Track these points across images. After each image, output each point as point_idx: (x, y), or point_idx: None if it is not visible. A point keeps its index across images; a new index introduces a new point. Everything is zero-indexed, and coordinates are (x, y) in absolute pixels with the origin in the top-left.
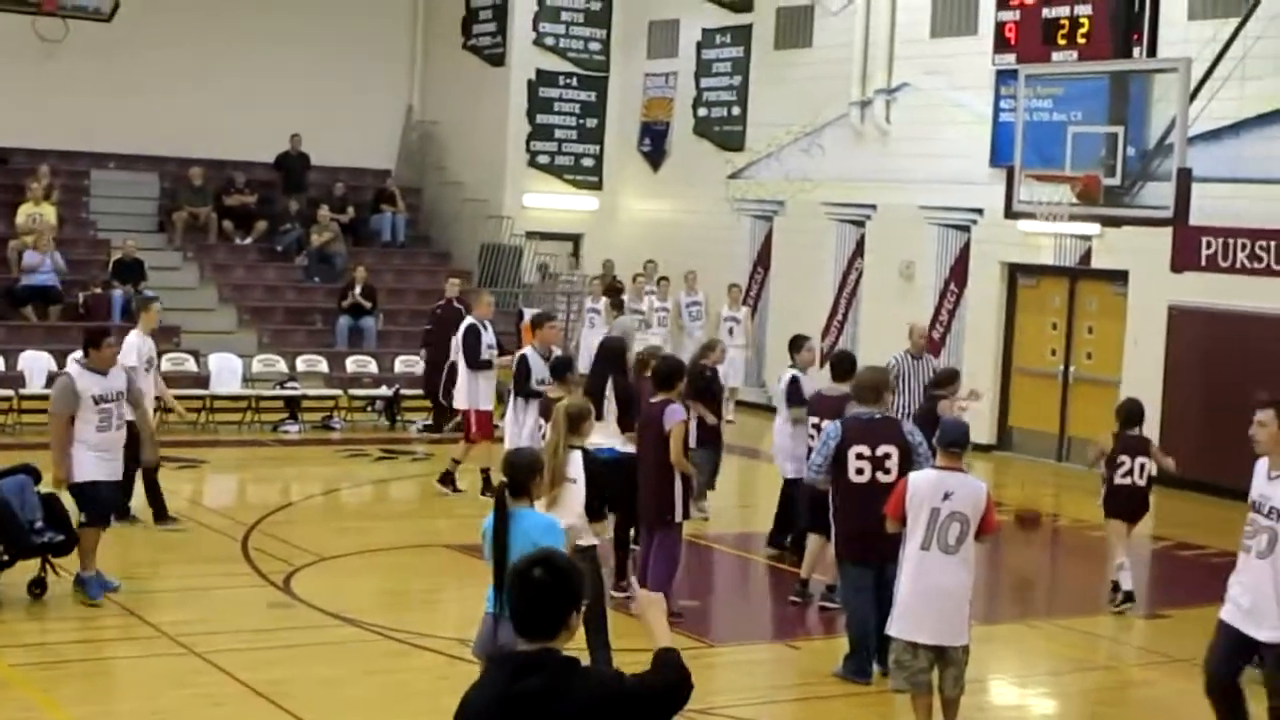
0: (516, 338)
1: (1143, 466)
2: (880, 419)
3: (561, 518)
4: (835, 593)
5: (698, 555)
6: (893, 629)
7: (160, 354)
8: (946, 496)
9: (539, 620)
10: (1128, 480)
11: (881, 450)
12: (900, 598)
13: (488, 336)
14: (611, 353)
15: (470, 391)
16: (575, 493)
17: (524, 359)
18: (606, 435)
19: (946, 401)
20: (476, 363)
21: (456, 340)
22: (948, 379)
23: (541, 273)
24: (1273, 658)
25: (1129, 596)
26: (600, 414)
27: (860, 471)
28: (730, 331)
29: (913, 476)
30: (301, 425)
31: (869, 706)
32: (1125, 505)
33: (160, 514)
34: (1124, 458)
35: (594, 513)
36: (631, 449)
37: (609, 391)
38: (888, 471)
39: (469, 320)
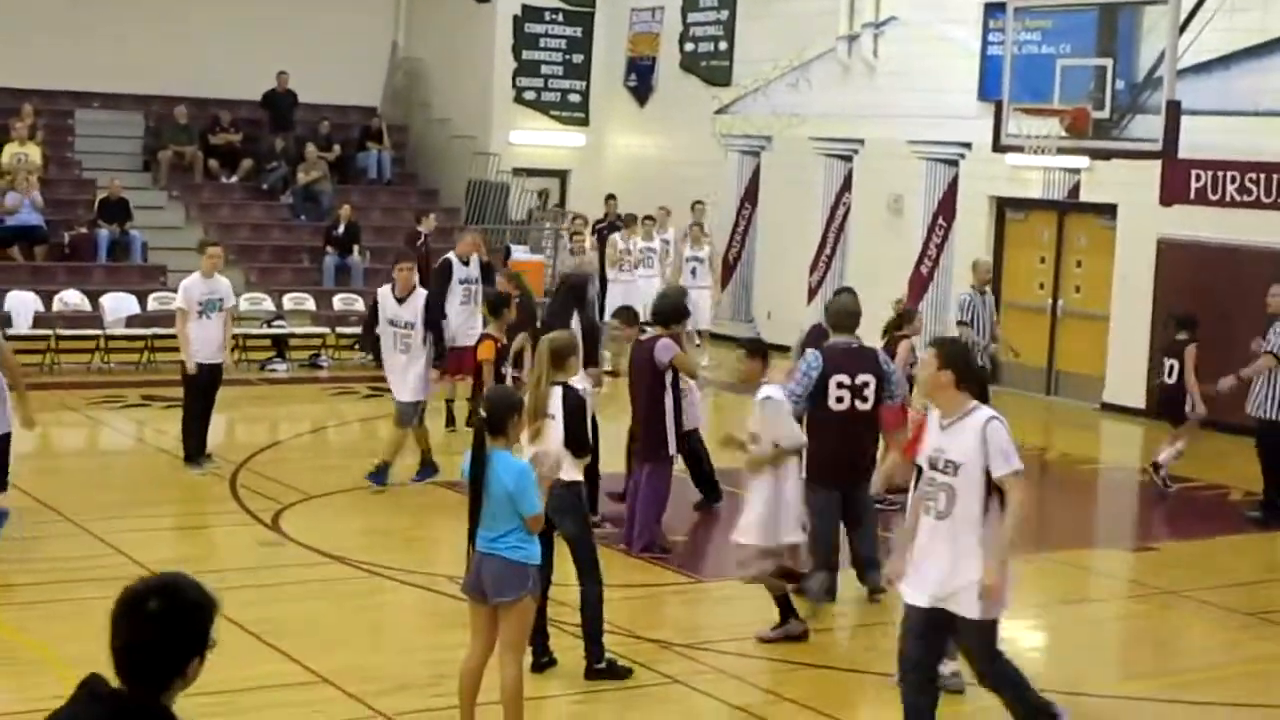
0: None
1: (1172, 368)
2: (858, 348)
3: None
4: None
5: (688, 491)
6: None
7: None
8: None
9: (147, 665)
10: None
11: (861, 379)
12: None
13: (467, 271)
14: (574, 288)
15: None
16: (554, 429)
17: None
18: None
19: (907, 341)
20: (443, 299)
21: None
22: (908, 318)
23: (542, 201)
24: (970, 631)
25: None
26: None
27: (840, 400)
28: (694, 272)
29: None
30: (289, 363)
31: (858, 638)
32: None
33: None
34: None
35: (581, 448)
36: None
37: (573, 327)
38: (865, 400)
39: (444, 256)
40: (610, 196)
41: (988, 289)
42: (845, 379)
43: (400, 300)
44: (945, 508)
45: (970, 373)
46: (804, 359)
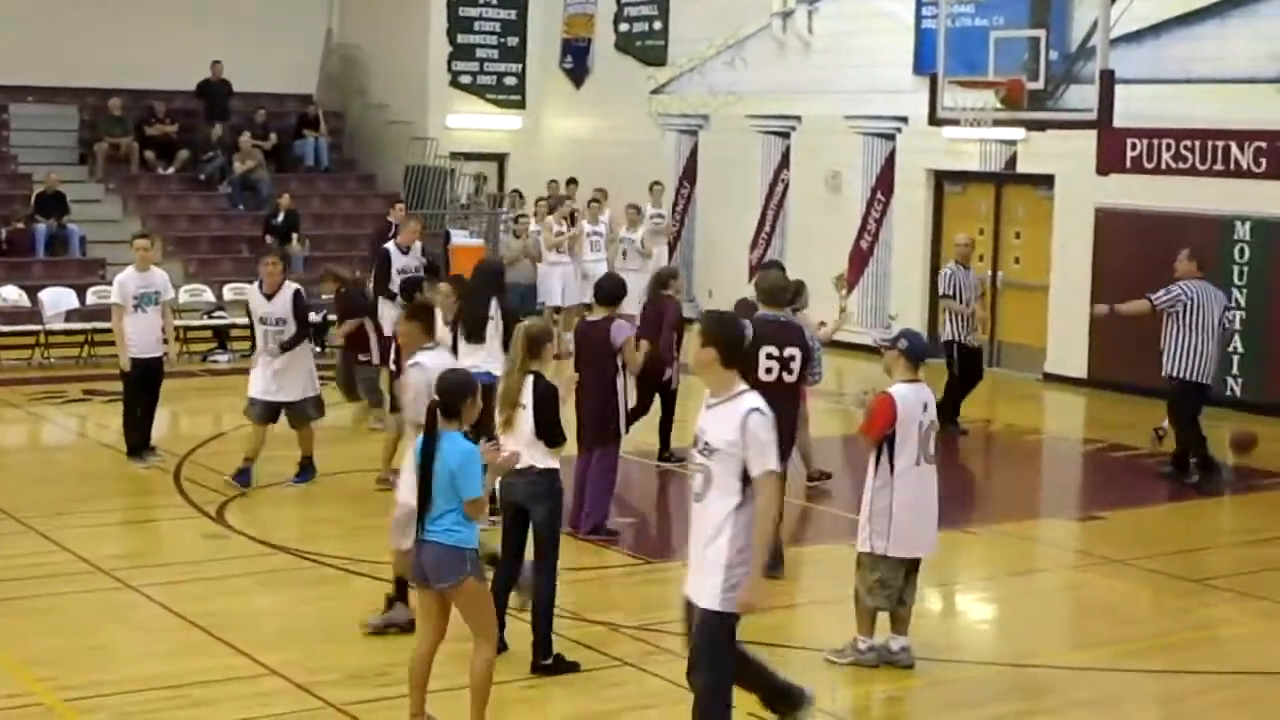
0: (445, 261)
1: None
2: (785, 322)
3: (514, 443)
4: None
5: (636, 471)
6: (891, 550)
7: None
8: (925, 408)
9: None
10: None
11: (788, 352)
12: (896, 518)
13: (405, 261)
14: (491, 274)
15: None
16: (525, 418)
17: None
18: (486, 359)
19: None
20: (385, 289)
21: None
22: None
23: (477, 186)
24: (701, 624)
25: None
26: (482, 336)
27: (769, 371)
28: (624, 254)
29: (897, 393)
30: (231, 354)
31: (816, 619)
32: None
33: None
34: None
35: (554, 436)
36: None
37: (493, 312)
38: (791, 373)
39: (384, 246)
40: (571, 180)
41: (969, 264)
42: (774, 350)
43: (269, 297)
44: (701, 490)
45: (737, 351)
46: None
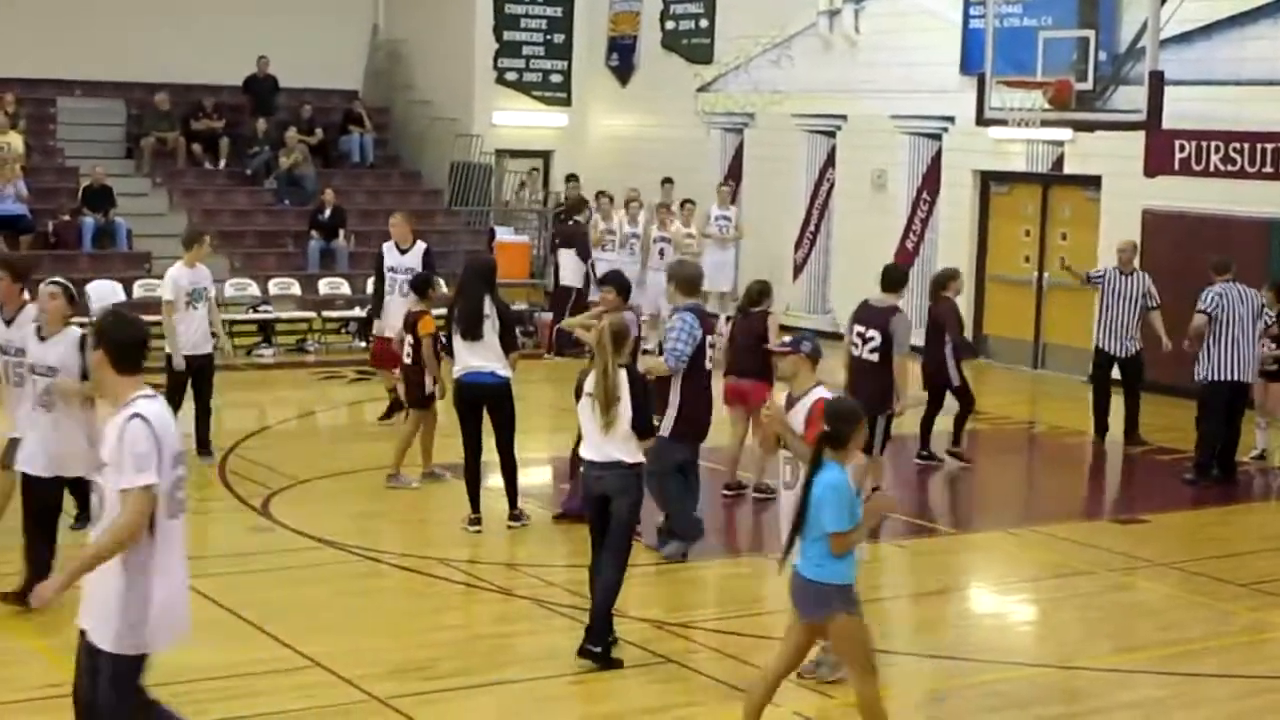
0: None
1: None
2: (705, 309)
3: (616, 437)
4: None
5: None
6: None
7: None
8: None
9: None
10: None
11: (711, 338)
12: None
13: (398, 260)
14: (483, 270)
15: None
16: (624, 412)
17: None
18: (486, 357)
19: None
20: (377, 287)
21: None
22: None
23: (521, 185)
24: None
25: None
26: (479, 334)
27: (710, 359)
28: (661, 254)
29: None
30: (276, 349)
31: None
32: None
33: None
34: None
35: (649, 429)
36: (510, 372)
37: (488, 310)
38: (711, 359)
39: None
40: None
41: (1135, 269)
42: (710, 338)
43: (7, 322)
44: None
45: (129, 355)
46: (682, 321)
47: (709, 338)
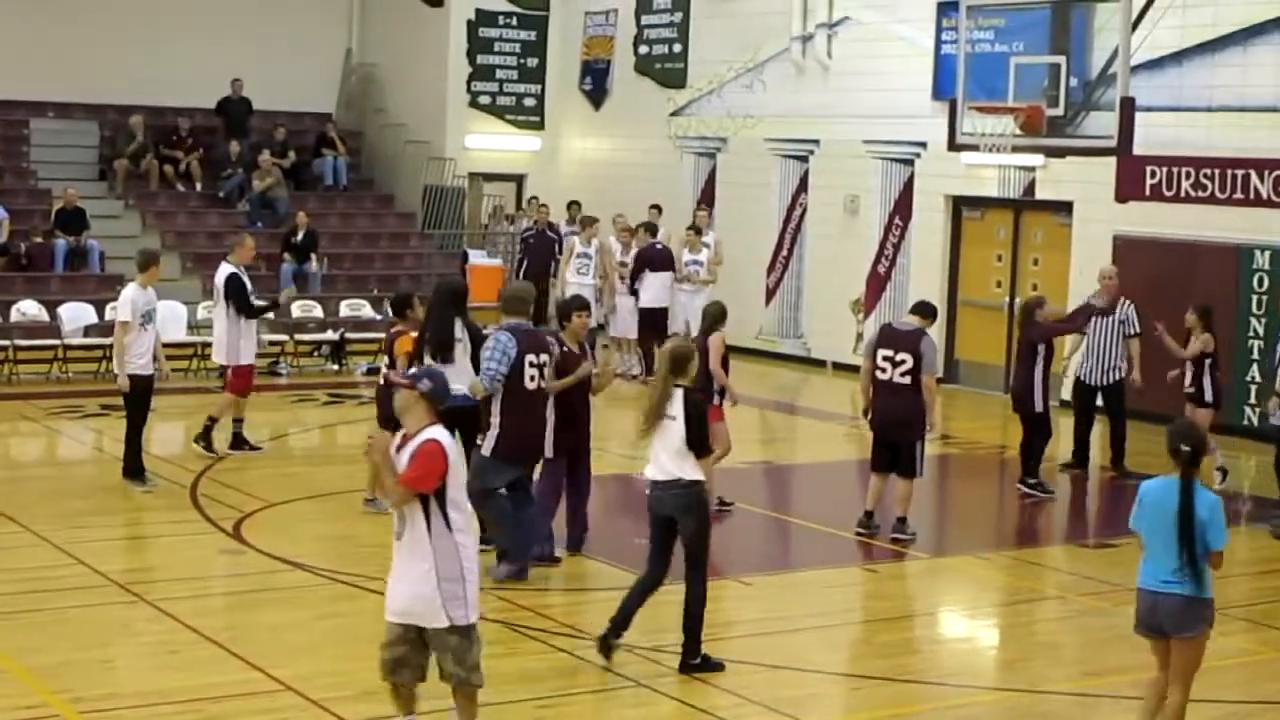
0: (462, 279)
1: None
2: (535, 329)
3: (661, 453)
4: (905, 525)
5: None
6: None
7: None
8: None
9: None
10: None
11: (542, 358)
12: (469, 581)
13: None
14: (453, 293)
15: (230, 345)
16: (674, 429)
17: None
18: (458, 380)
19: (718, 336)
20: (251, 310)
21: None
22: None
23: (495, 210)
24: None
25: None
26: (451, 357)
27: (532, 379)
28: (622, 279)
29: (444, 439)
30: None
31: (817, 637)
32: None
33: None
34: None
35: (701, 448)
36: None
37: (459, 333)
38: (543, 378)
39: (229, 269)
40: (531, 199)
41: (1122, 300)
42: (534, 357)
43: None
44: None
45: None
46: (495, 340)
47: (530, 357)
